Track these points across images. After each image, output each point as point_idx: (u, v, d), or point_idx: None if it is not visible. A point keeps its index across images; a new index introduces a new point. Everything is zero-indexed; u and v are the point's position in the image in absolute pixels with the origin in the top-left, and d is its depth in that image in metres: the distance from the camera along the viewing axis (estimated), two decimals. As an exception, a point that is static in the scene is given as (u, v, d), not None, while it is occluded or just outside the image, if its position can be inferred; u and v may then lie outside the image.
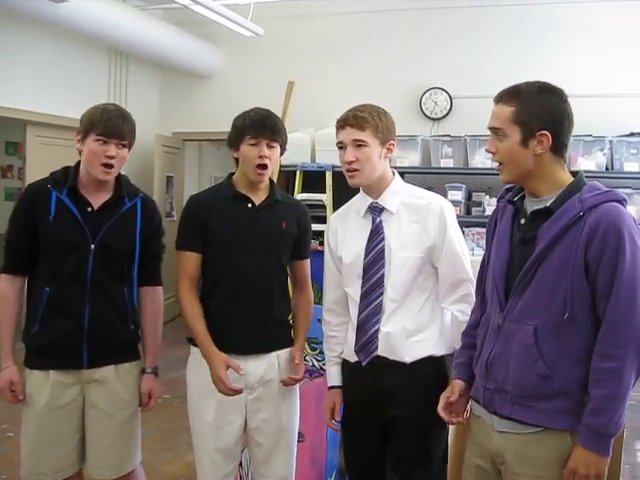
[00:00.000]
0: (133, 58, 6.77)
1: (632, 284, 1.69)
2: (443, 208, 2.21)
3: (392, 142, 2.22)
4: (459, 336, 2.07)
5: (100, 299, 2.30)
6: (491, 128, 1.84)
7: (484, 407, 1.88)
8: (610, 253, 1.69)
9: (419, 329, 2.19)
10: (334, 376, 2.35)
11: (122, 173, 2.40)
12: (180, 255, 2.40)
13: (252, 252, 2.37)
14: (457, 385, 2.00)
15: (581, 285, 1.71)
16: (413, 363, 2.17)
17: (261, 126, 2.34)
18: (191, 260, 2.40)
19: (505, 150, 1.82)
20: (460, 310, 2.17)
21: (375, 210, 2.24)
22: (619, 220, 1.70)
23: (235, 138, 2.39)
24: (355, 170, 2.19)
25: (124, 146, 2.29)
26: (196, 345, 2.41)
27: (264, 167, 2.36)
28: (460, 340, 2.07)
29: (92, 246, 2.28)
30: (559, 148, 1.81)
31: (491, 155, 1.88)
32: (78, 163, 2.35)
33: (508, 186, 1.95)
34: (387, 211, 2.23)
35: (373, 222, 2.23)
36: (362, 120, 2.17)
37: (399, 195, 2.25)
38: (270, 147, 2.36)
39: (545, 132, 1.77)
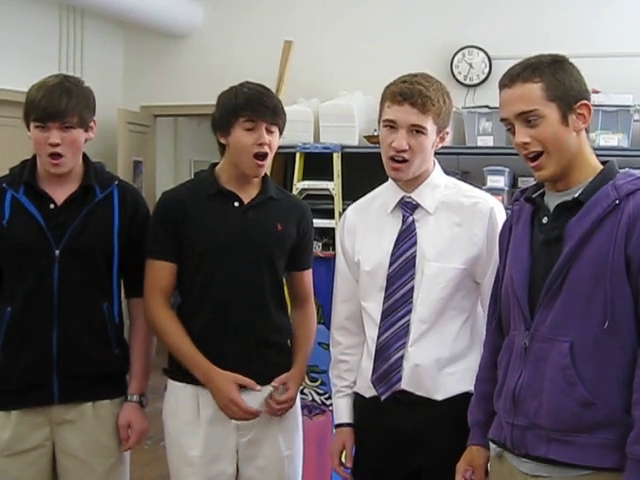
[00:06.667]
0: (90, 14, 6.78)
1: None
2: (494, 210, 2.25)
3: (447, 131, 2.27)
4: None
5: (71, 318, 2.33)
6: (518, 115, 1.87)
7: (512, 450, 1.91)
8: None
9: (455, 358, 2.23)
10: (344, 411, 2.37)
11: (95, 161, 2.45)
12: (150, 265, 2.45)
13: (241, 262, 2.41)
14: (478, 454, 2.03)
15: (622, 286, 1.76)
16: (446, 400, 2.20)
17: (260, 106, 2.36)
18: (164, 272, 2.44)
19: (545, 134, 1.86)
20: None
21: (407, 207, 2.27)
22: None
23: (225, 120, 2.40)
24: (404, 161, 2.20)
25: (70, 127, 2.31)
26: (174, 378, 2.45)
27: (264, 157, 2.39)
28: (473, 389, 2.12)
29: (57, 251, 2.32)
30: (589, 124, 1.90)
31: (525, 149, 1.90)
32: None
33: (524, 187, 2.02)
34: (422, 209, 2.26)
35: (404, 222, 2.25)
36: (428, 101, 2.18)
37: (438, 191, 2.29)
38: (269, 132, 2.39)
39: (585, 102, 1.86)
